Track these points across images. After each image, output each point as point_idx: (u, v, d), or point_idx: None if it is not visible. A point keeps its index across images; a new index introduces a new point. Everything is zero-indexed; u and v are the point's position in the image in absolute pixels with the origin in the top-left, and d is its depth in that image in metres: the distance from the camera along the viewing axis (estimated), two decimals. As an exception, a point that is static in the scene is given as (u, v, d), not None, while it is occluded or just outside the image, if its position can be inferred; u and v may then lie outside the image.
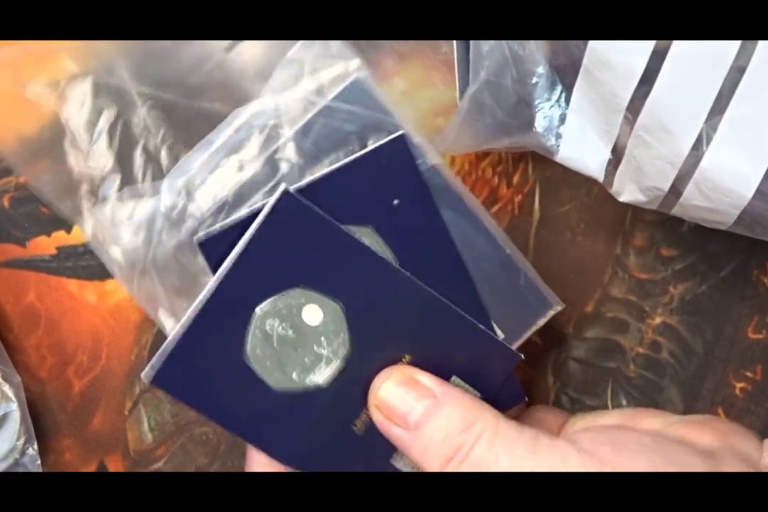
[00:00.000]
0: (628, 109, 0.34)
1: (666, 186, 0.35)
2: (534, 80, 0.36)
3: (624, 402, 0.43)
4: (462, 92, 0.38)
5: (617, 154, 0.36)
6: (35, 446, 0.43)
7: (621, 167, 0.36)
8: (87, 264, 0.45)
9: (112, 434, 0.45)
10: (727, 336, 0.43)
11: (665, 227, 0.43)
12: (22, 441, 0.43)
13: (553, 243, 0.44)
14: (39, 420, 0.44)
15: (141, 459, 0.45)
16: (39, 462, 0.43)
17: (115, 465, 0.45)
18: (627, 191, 0.37)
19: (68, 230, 0.45)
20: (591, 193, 0.44)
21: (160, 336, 0.44)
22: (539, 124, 0.37)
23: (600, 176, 0.37)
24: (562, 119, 0.36)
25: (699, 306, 0.43)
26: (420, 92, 0.44)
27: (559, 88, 0.36)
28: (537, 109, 0.36)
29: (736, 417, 0.43)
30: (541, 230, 0.44)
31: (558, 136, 0.37)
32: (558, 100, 0.36)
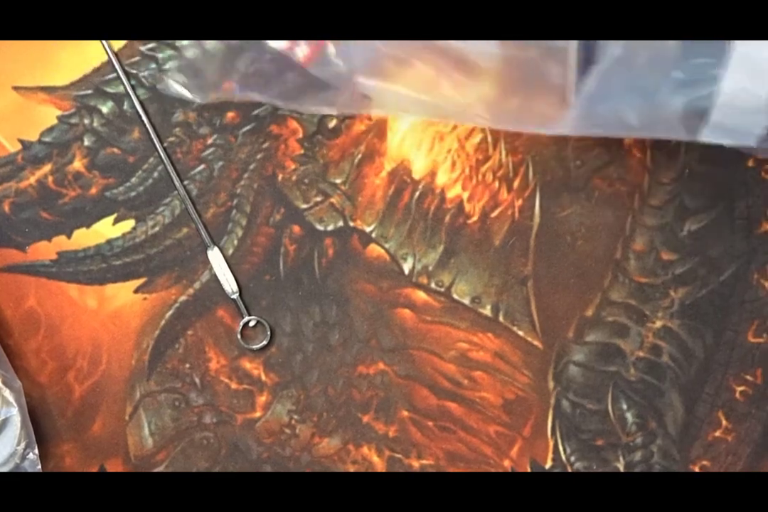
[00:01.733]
0: None
1: None
2: (674, 54, 0.33)
3: (624, 407, 0.43)
4: (582, 73, 0.35)
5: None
6: (36, 451, 0.43)
7: None
8: (87, 269, 0.45)
9: (113, 439, 0.45)
10: (728, 340, 0.43)
11: (665, 231, 0.43)
12: (22, 446, 0.43)
13: (554, 247, 0.44)
14: (39, 425, 0.44)
15: (141, 464, 0.45)
16: (39, 466, 0.43)
17: (115, 469, 0.44)
18: None
19: (69, 235, 0.45)
20: (591, 197, 0.44)
21: (161, 340, 0.44)
22: (681, 103, 0.34)
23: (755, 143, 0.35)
24: (711, 98, 0.34)
25: (699, 310, 0.43)
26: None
27: (703, 60, 0.33)
28: (679, 86, 0.34)
29: (737, 420, 0.43)
30: (541, 234, 0.44)
31: (702, 116, 0.34)
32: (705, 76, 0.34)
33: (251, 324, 0.44)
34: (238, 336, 0.44)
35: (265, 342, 0.44)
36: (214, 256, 0.45)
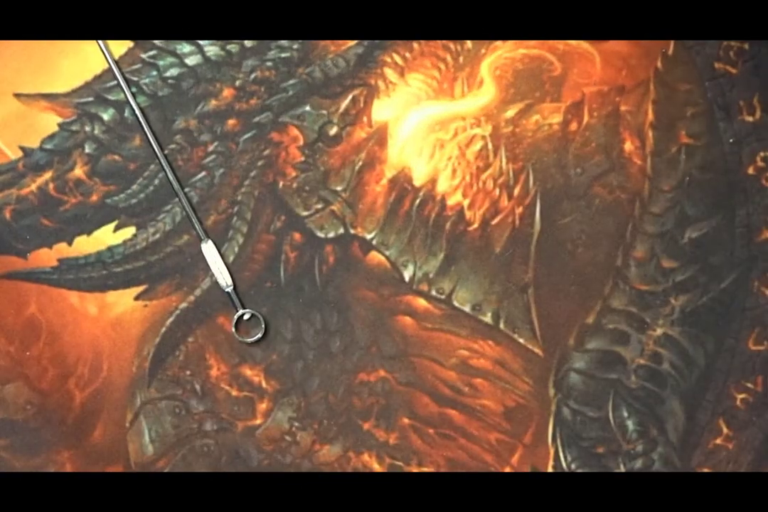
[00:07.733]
0: None
1: None
2: None
3: (625, 414, 0.43)
4: None
5: None
6: None
7: None
8: (88, 276, 0.45)
9: (113, 446, 0.45)
10: (728, 347, 0.43)
11: (665, 239, 0.43)
12: None
13: (554, 254, 0.44)
14: (40, 432, 0.44)
15: (142, 471, 0.44)
16: None
17: (116, 476, 0.45)
18: None
19: (69, 242, 0.45)
20: (592, 204, 0.44)
21: (161, 347, 0.44)
22: None
23: None
24: None
25: (700, 317, 0.43)
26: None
27: None
28: None
29: (738, 428, 0.43)
30: (542, 242, 0.44)
31: None
32: None
33: (246, 317, 0.44)
34: (233, 329, 0.44)
35: (259, 335, 0.44)
36: (208, 249, 0.44)
